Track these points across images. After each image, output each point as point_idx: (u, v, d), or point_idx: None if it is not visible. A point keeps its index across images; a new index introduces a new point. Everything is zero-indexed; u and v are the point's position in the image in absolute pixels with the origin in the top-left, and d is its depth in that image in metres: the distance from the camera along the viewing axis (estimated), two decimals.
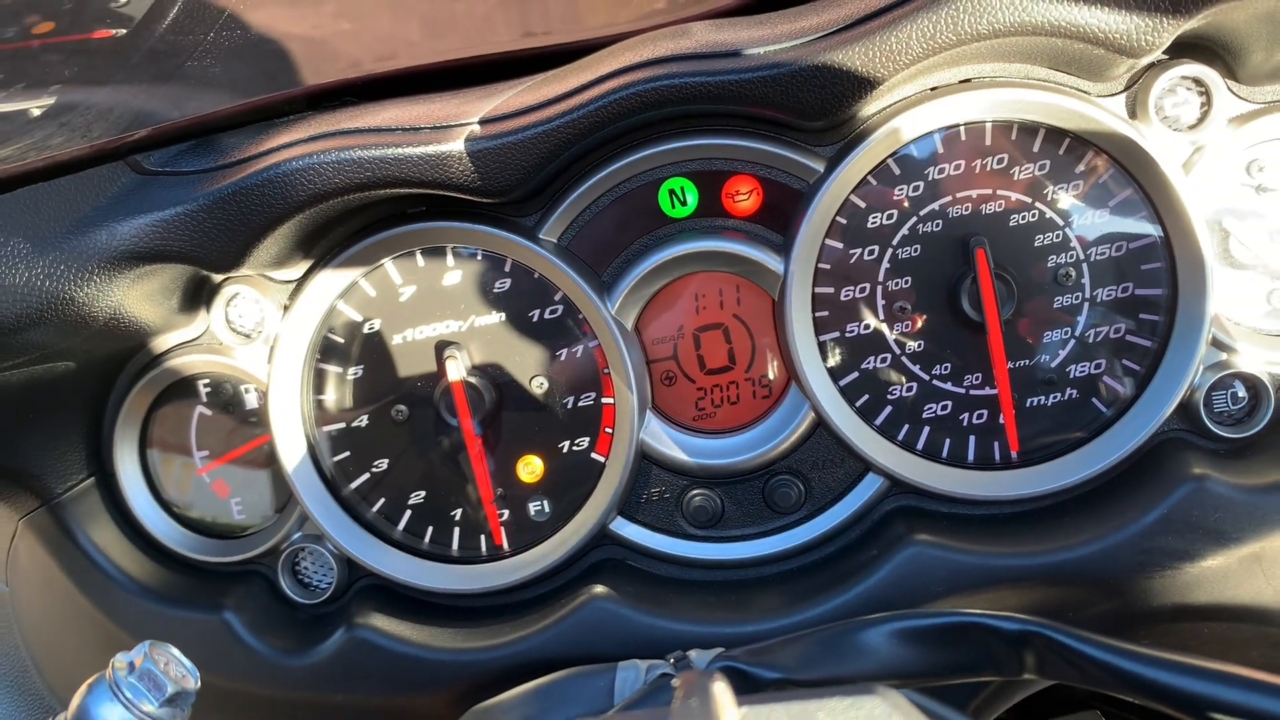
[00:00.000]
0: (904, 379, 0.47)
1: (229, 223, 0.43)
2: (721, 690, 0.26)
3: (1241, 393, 0.44)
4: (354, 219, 0.47)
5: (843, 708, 0.27)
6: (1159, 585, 0.43)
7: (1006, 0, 0.38)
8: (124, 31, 0.57)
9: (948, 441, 0.47)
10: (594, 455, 0.49)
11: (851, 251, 0.46)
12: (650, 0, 0.59)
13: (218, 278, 0.48)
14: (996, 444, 0.46)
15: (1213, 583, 0.42)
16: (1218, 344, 0.44)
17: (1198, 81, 0.42)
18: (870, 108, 0.44)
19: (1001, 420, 0.46)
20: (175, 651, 0.35)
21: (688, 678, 0.28)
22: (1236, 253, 0.44)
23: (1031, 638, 0.34)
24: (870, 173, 0.45)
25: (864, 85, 0.40)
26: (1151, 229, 0.44)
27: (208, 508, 0.53)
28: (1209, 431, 0.44)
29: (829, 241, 0.46)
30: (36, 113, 0.51)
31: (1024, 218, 0.45)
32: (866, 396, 0.47)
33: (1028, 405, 0.46)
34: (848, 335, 0.47)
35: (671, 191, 0.46)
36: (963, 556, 0.44)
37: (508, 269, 0.48)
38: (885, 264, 0.46)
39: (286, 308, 0.48)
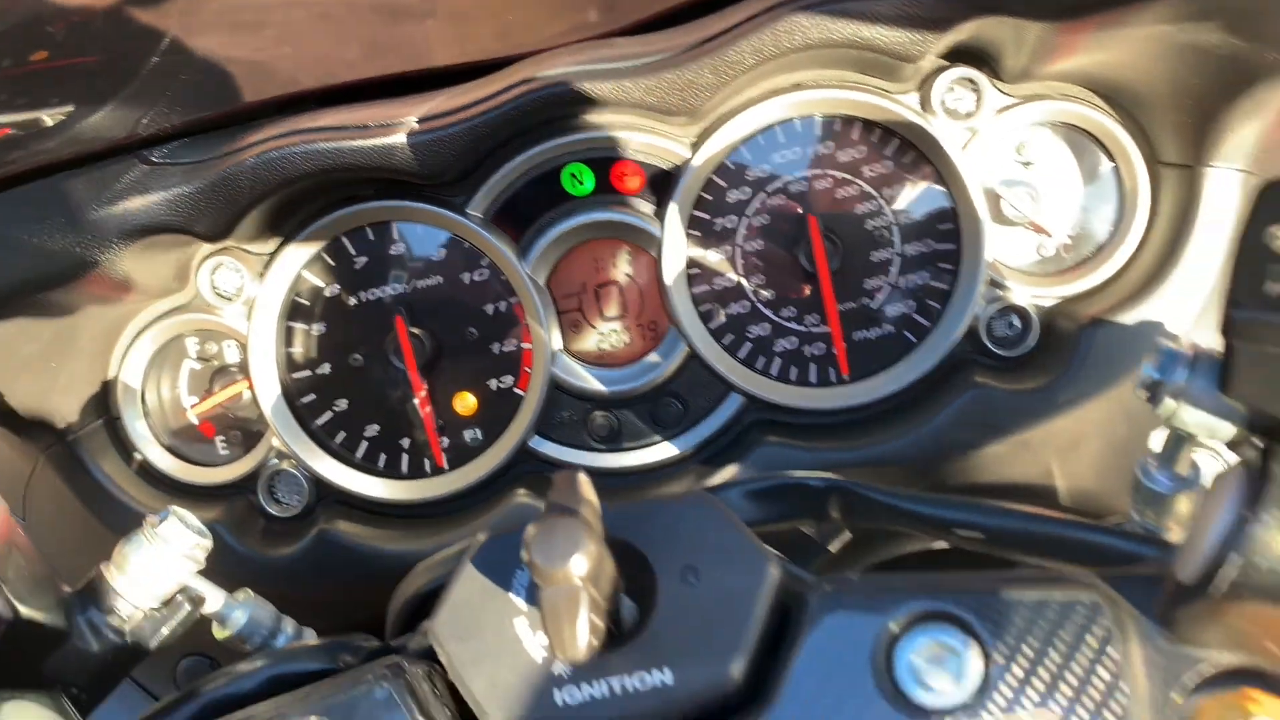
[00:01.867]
0: (759, 321, 0.59)
1: (218, 201, 0.54)
2: (584, 478, 0.37)
3: (1015, 321, 0.57)
4: (317, 201, 0.58)
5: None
6: (953, 468, 0.55)
7: (812, 23, 0.50)
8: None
9: (794, 368, 0.59)
10: (516, 390, 0.61)
11: (715, 221, 0.58)
12: (570, 19, 0.70)
13: (207, 248, 0.59)
14: (831, 369, 0.59)
15: (993, 465, 0.55)
16: (995, 284, 0.57)
17: (971, 81, 0.55)
18: (723, 107, 0.56)
19: (834, 350, 0.58)
20: (191, 516, 0.46)
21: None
22: (1007, 212, 0.56)
23: (834, 490, 0.46)
24: (726, 158, 0.57)
25: (713, 88, 0.53)
26: (943, 197, 0.57)
27: (197, 445, 0.64)
28: (990, 351, 0.57)
29: (697, 213, 0.58)
30: (49, 121, 0.62)
31: (848, 191, 0.58)
32: (730, 336, 0.59)
33: (855, 338, 0.58)
34: (715, 288, 0.59)
35: (572, 174, 0.58)
36: (803, 453, 0.56)
37: (443, 240, 0.59)
38: (742, 230, 0.58)
39: (261, 275, 0.60)
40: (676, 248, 0.57)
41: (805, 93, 0.56)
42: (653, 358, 0.60)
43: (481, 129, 0.54)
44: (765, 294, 0.59)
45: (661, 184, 0.58)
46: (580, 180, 0.58)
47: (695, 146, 0.57)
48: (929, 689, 0.33)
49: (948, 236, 0.57)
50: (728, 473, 0.56)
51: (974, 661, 0.33)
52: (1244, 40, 0.49)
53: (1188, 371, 0.37)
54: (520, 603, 0.36)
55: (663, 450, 0.60)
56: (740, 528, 0.38)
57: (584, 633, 0.33)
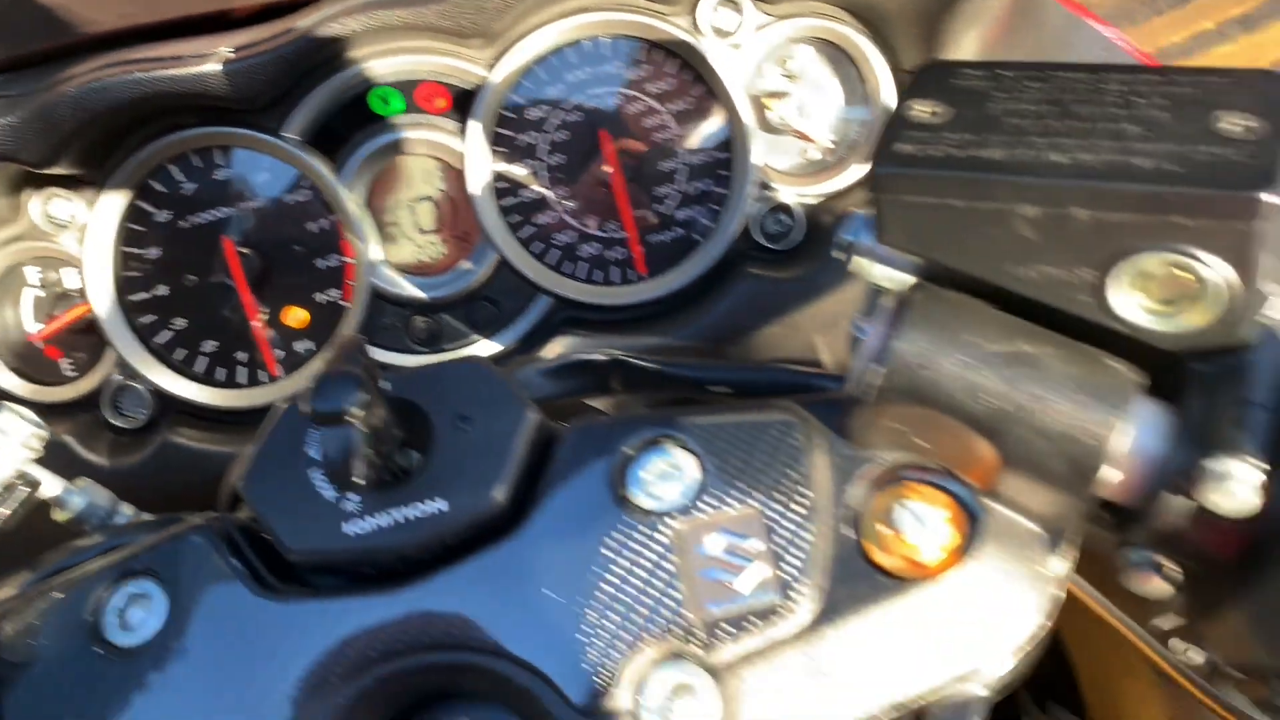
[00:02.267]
0: (565, 229, 0.65)
1: (43, 130, 0.58)
2: (357, 340, 0.42)
3: (784, 219, 0.64)
4: (142, 130, 0.62)
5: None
6: (735, 349, 0.62)
7: None
8: None
9: (598, 271, 0.65)
10: (342, 302, 0.66)
11: (518, 138, 0.64)
12: None
13: (37, 178, 0.63)
14: (630, 269, 0.65)
15: (768, 344, 0.62)
16: (765, 186, 0.63)
17: (734, 1, 0.62)
18: (515, 30, 0.61)
19: (632, 253, 0.65)
20: (27, 411, 0.50)
21: None
22: (773, 121, 0.63)
23: (614, 364, 0.53)
24: (522, 77, 0.63)
25: (500, 11, 0.58)
26: (717, 110, 0.63)
27: (43, 366, 0.68)
28: (762, 247, 0.64)
29: (500, 130, 0.63)
30: None
31: (636, 107, 0.64)
32: (539, 243, 0.65)
33: (651, 241, 0.65)
34: (522, 200, 0.64)
35: (380, 97, 0.63)
36: (605, 344, 0.63)
37: (265, 164, 0.64)
38: (544, 146, 0.64)
39: (92, 202, 0.64)
40: (480, 163, 0.63)
41: (589, 15, 0.61)
42: (465, 265, 0.65)
43: (290, 56, 0.59)
44: (569, 204, 0.64)
45: (465, 104, 0.63)
46: (388, 102, 0.63)
47: (492, 66, 0.62)
48: (655, 497, 0.40)
49: (716, 144, 0.64)
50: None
51: (691, 473, 0.40)
52: None
53: (867, 231, 0.44)
54: (313, 452, 0.41)
55: (480, 349, 0.65)
56: (504, 381, 0.44)
57: (359, 466, 0.39)
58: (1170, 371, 0.37)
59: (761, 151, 0.63)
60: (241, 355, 0.66)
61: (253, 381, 0.66)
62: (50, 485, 0.48)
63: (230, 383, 0.66)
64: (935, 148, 0.36)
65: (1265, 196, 0.32)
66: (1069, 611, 0.66)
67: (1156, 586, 0.38)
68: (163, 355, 0.66)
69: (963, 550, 0.38)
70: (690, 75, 0.63)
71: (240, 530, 0.42)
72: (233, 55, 0.58)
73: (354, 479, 0.39)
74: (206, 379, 0.66)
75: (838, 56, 0.64)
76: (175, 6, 0.63)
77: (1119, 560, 0.38)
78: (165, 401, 0.66)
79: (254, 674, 0.39)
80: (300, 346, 0.66)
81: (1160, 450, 0.36)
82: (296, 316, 0.66)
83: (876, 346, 0.37)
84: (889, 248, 0.41)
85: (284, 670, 0.39)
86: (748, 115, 0.62)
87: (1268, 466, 0.33)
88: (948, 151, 0.36)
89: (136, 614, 0.40)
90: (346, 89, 0.63)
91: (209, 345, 0.66)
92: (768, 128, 0.64)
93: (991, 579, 0.38)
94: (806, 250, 0.64)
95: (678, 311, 0.63)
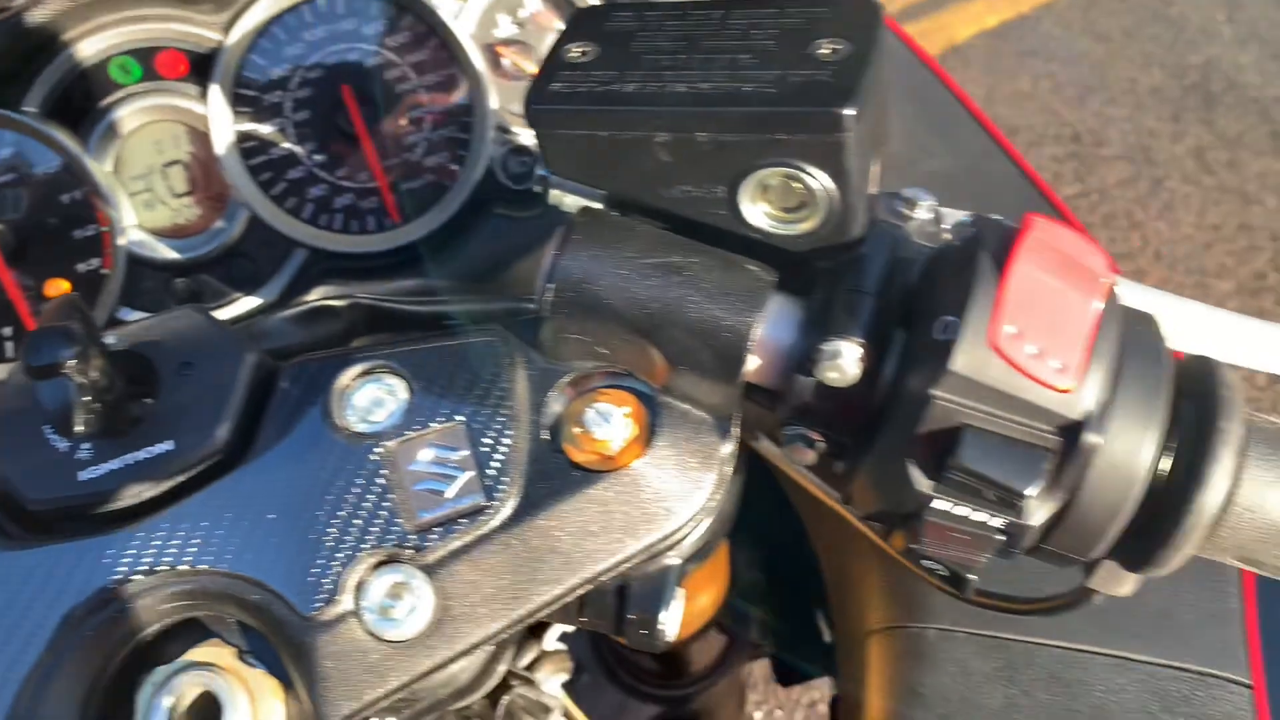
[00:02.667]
0: (317, 183, 0.67)
1: None
2: (72, 300, 0.45)
3: (525, 159, 0.68)
4: None
5: None
6: (487, 285, 0.66)
7: None
8: None
9: (354, 221, 0.68)
10: (103, 270, 0.67)
11: (262, 97, 0.66)
12: None
13: None
14: (385, 217, 0.68)
15: (517, 278, 0.66)
16: (503, 129, 0.67)
17: None
18: None
19: (384, 201, 0.68)
20: None
21: None
22: (508, 67, 0.67)
23: (353, 307, 0.56)
24: (259, 38, 0.65)
25: None
26: (451, 60, 0.67)
27: None
28: (506, 186, 0.68)
29: (243, 91, 0.66)
30: None
31: (376, 61, 0.67)
32: (293, 199, 0.67)
33: (403, 188, 0.68)
34: (272, 157, 0.67)
35: (120, 66, 0.64)
36: (362, 290, 0.66)
37: (7, 139, 0.64)
38: (289, 104, 0.66)
39: None
40: (224, 125, 0.65)
41: None
42: (219, 224, 0.67)
43: (17, 28, 0.60)
44: (319, 158, 0.67)
45: (205, 68, 0.65)
46: (128, 71, 0.64)
47: (228, 30, 0.64)
48: (368, 422, 0.44)
49: (463, 94, 0.67)
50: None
51: (401, 396, 0.44)
52: None
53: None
54: (45, 407, 0.43)
55: (242, 305, 0.67)
56: (221, 326, 0.47)
57: (82, 416, 0.42)
58: (800, 269, 0.43)
59: (498, 97, 0.66)
60: (6, 330, 0.67)
61: (16, 355, 0.67)
62: None
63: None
64: (582, 85, 0.41)
65: (845, 111, 0.37)
66: (813, 517, 0.74)
67: (808, 457, 0.44)
68: None
69: (645, 441, 0.43)
70: (424, 28, 0.66)
71: None
72: None
73: (80, 429, 0.42)
74: None
75: (563, 3, 0.68)
76: None
77: (780, 438, 0.44)
78: None
79: (7, 615, 0.42)
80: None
81: (789, 338, 0.42)
82: (59, 288, 0.67)
83: (548, 267, 0.42)
84: (570, 182, 0.45)
85: (34, 608, 0.42)
86: (481, 64, 0.65)
87: (864, 342, 0.39)
88: (592, 88, 0.41)
89: None
90: (84, 60, 0.64)
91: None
92: (504, 74, 0.67)
93: (670, 462, 0.44)
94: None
95: (433, 253, 0.67)
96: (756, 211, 0.41)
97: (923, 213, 0.48)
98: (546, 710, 0.56)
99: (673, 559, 0.47)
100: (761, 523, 0.83)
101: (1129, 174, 3.43)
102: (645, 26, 0.43)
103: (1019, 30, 4.07)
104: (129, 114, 0.65)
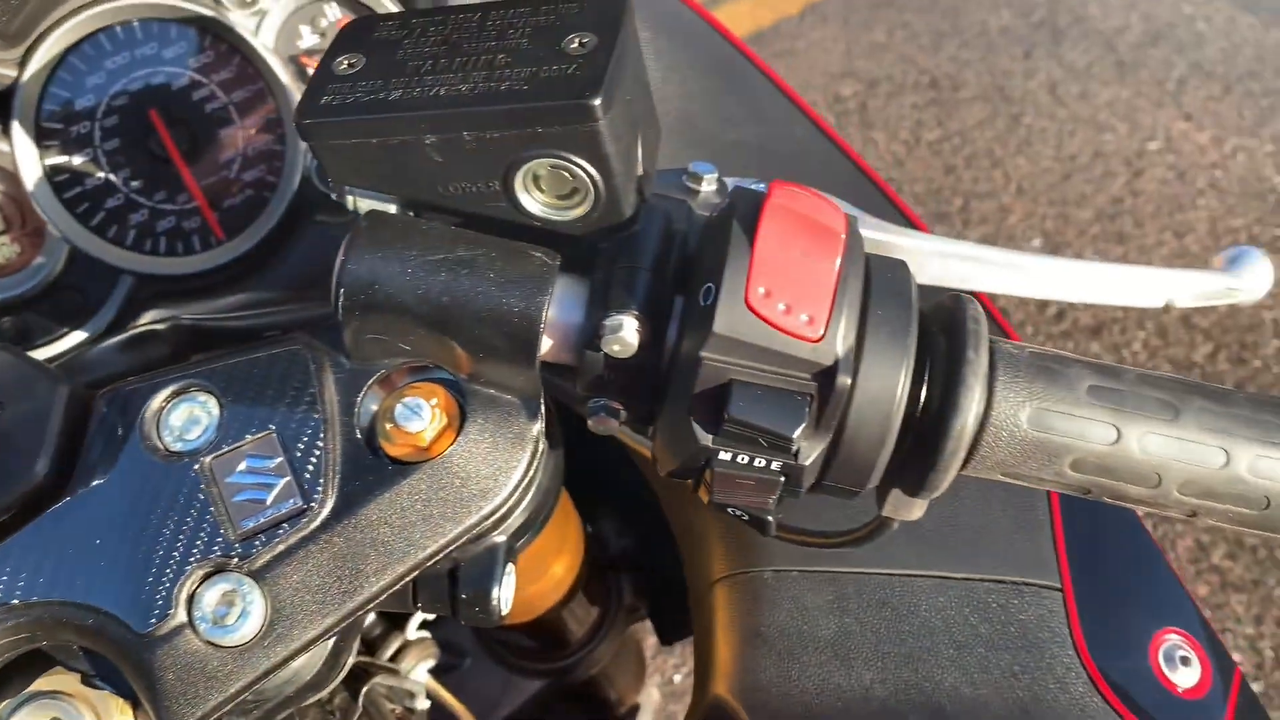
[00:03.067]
0: (137, 209, 0.68)
1: None
2: None
3: None
4: None
5: None
6: (313, 294, 0.68)
7: None
8: None
9: (179, 242, 0.69)
10: None
11: (70, 129, 0.66)
12: None
13: None
14: (210, 236, 0.69)
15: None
16: None
17: None
18: (39, 27, 0.63)
19: (206, 220, 0.68)
20: None
21: None
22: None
23: (174, 328, 0.57)
24: (58, 71, 0.65)
25: (15, 10, 0.60)
26: (256, 74, 0.68)
27: None
28: (322, 192, 0.69)
29: (49, 125, 0.65)
30: None
31: (182, 82, 0.67)
32: (113, 227, 0.67)
33: (224, 205, 0.69)
34: (88, 188, 0.67)
35: None
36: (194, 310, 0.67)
37: None
38: (98, 133, 0.66)
39: None
40: (30, 161, 0.65)
41: (109, 2, 0.64)
42: (39, 260, 0.67)
43: None
44: (135, 184, 0.67)
45: (3, 105, 0.64)
46: None
47: (22, 66, 0.64)
48: (184, 441, 0.45)
49: (274, 107, 0.68)
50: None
51: (214, 412, 0.45)
52: None
53: None
54: None
55: (72, 338, 0.68)
56: (29, 362, 0.47)
57: None
58: (581, 250, 0.45)
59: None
60: None
61: None
62: None
63: None
64: (350, 96, 0.43)
65: (593, 101, 0.40)
66: (659, 480, 0.76)
67: (612, 425, 0.46)
68: None
69: (456, 428, 0.46)
70: (226, 46, 0.67)
71: None
72: None
73: None
74: None
75: (361, 9, 0.69)
76: None
77: (592, 416, 0.47)
78: None
79: None
80: None
81: (576, 317, 0.44)
82: None
83: (336, 271, 0.43)
84: (338, 187, 0.47)
85: None
86: (286, 76, 0.66)
87: (640, 314, 0.42)
88: (359, 98, 0.43)
89: None
90: None
91: None
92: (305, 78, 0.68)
93: (483, 446, 0.46)
94: None
95: (260, 267, 0.68)
96: (532, 201, 0.44)
97: (708, 185, 0.51)
98: (411, 696, 0.58)
99: (499, 537, 0.49)
100: (628, 492, 0.86)
101: (987, 114, 3.55)
102: (409, 35, 0.45)
103: None
104: None
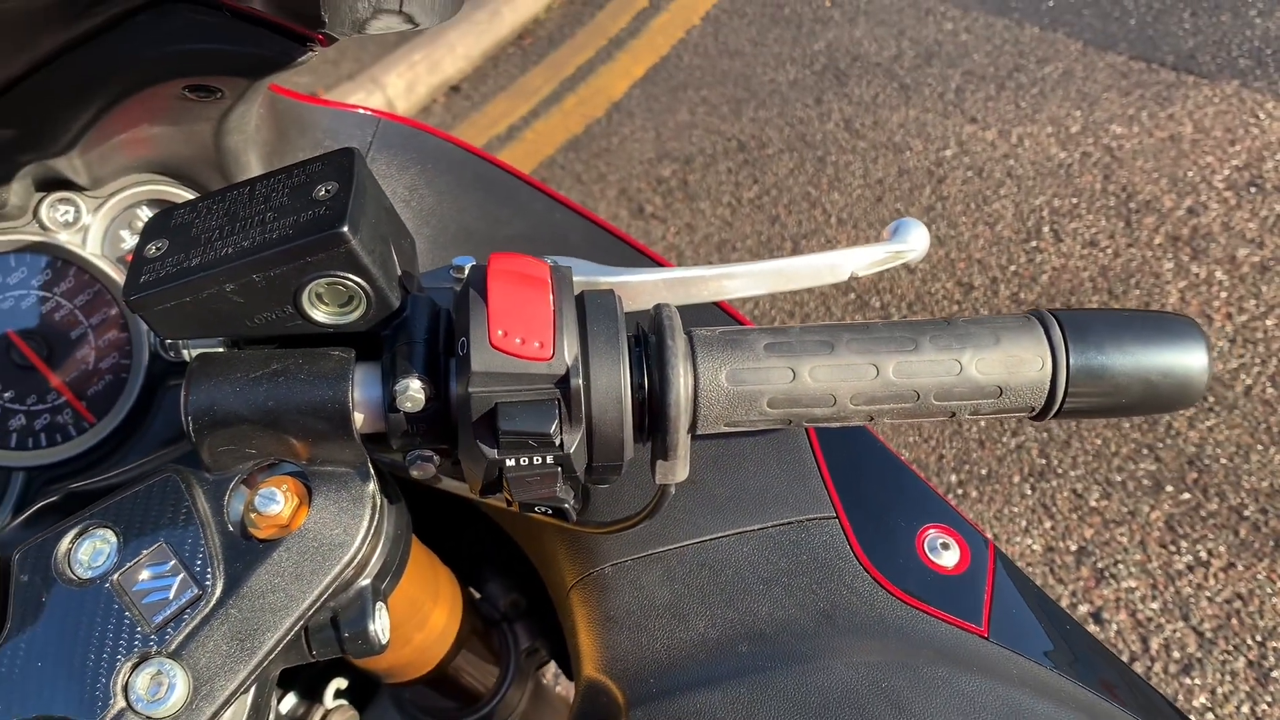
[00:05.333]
0: (12, 415, 0.78)
1: None
2: None
3: None
4: None
5: None
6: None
7: None
8: None
9: (56, 434, 0.79)
10: None
11: None
12: None
13: None
14: (83, 421, 0.80)
15: None
16: None
17: (67, 199, 0.78)
18: None
19: (77, 409, 0.79)
20: None
21: None
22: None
23: (69, 496, 0.68)
24: None
25: None
26: (94, 279, 0.80)
27: None
28: (170, 361, 0.81)
29: None
30: None
31: (29, 302, 0.78)
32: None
33: (89, 394, 0.80)
34: None
35: None
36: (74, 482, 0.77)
37: None
38: None
39: None
40: None
41: None
42: None
43: None
44: (8, 395, 0.78)
45: None
46: None
47: None
48: (92, 568, 0.56)
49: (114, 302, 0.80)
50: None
51: (113, 540, 0.56)
52: None
53: None
54: None
55: None
56: None
57: None
58: (369, 341, 0.59)
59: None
60: None
61: None
62: None
63: None
64: (161, 270, 0.56)
65: (342, 229, 0.53)
66: (509, 523, 0.89)
67: (430, 470, 0.59)
68: None
69: (307, 503, 0.58)
70: (60, 262, 0.79)
71: None
72: None
73: None
74: None
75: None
76: None
77: (412, 468, 0.59)
78: None
79: None
80: None
81: (375, 392, 0.57)
82: None
83: (184, 405, 0.56)
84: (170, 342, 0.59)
85: None
86: (117, 275, 0.79)
87: (421, 375, 0.55)
88: (168, 271, 0.55)
89: None
90: None
91: None
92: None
93: (330, 512, 0.58)
94: None
95: (132, 433, 0.79)
96: (320, 313, 0.57)
97: (466, 272, 0.65)
98: None
99: (364, 580, 0.61)
100: (504, 554, 0.98)
101: (795, 162, 3.82)
102: (198, 215, 0.58)
103: (665, 71, 4.45)
104: None
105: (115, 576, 0.55)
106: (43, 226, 0.77)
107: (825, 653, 0.66)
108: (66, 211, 0.78)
